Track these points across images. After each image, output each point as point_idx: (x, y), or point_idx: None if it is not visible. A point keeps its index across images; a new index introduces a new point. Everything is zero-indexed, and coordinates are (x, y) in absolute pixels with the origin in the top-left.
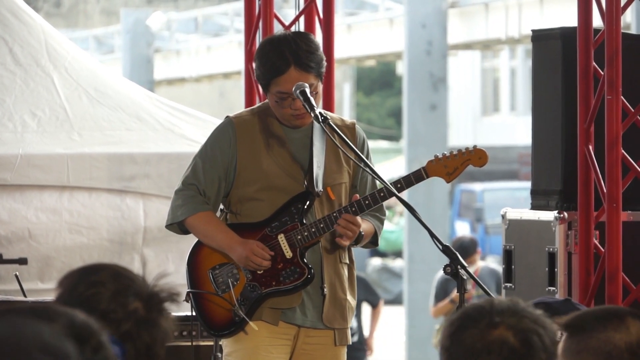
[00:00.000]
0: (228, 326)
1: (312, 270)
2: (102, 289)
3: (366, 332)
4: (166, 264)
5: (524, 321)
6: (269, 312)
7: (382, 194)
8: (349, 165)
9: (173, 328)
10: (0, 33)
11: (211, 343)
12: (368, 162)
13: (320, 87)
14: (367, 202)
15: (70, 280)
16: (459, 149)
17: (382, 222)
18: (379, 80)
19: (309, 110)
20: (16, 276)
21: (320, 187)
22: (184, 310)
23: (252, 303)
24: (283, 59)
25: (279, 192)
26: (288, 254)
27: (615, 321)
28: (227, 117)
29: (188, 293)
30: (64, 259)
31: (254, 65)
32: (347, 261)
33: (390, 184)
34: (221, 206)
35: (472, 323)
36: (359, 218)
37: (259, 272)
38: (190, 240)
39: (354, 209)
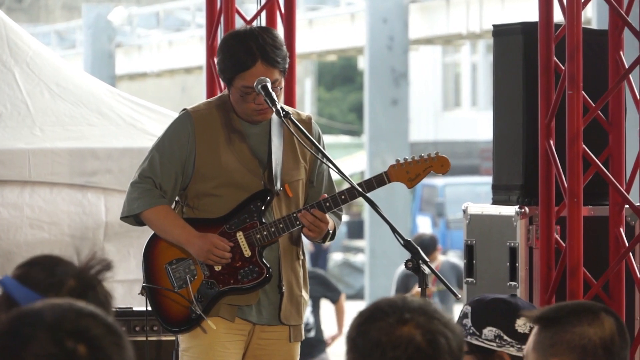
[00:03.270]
0: (184, 322)
1: (271, 270)
2: (35, 275)
3: (332, 329)
4: (127, 259)
5: (434, 322)
6: (226, 309)
7: (342, 197)
8: (305, 160)
9: (109, 296)
10: None
11: (173, 338)
12: (329, 157)
13: (283, 82)
14: (327, 204)
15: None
16: (421, 155)
17: (340, 218)
18: (340, 75)
19: (271, 105)
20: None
21: (279, 185)
22: (142, 305)
23: (210, 300)
24: (249, 54)
25: (238, 189)
26: (247, 252)
27: (590, 316)
28: (185, 109)
29: (143, 287)
30: (25, 254)
31: (216, 59)
32: (302, 256)
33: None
34: (177, 198)
35: (382, 316)
36: (327, 215)
37: (217, 268)
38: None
39: (313, 209)
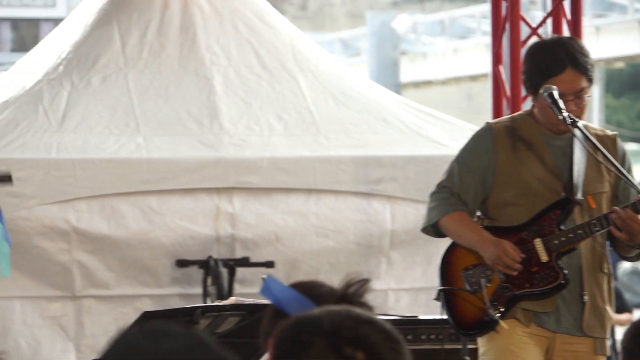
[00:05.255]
0: (478, 326)
1: (567, 276)
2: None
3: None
4: (413, 267)
5: None
6: (522, 312)
7: None
8: (610, 175)
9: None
10: (246, 36)
11: (458, 346)
12: (627, 173)
13: (589, 91)
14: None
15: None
16: None
17: None
18: (628, 82)
19: (558, 112)
20: (263, 279)
21: (580, 195)
22: (433, 313)
23: (504, 304)
24: (559, 60)
25: (537, 198)
26: (544, 257)
27: None
28: (487, 123)
29: (439, 292)
30: (310, 262)
31: (522, 68)
32: (607, 271)
33: None
34: (478, 213)
35: None
36: None
37: (512, 273)
38: (438, 243)
39: (626, 209)
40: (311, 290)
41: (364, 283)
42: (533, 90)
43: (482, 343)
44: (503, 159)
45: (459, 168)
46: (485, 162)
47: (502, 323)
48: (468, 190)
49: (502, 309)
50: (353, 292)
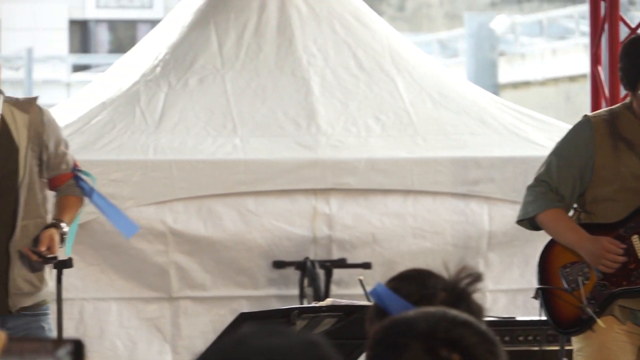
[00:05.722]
0: (575, 324)
1: None
2: (406, 288)
3: None
4: (511, 269)
5: None
6: (619, 310)
7: None
8: None
9: (481, 308)
10: (344, 37)
11: (556, 348)
12: None
13: None
14: None
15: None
16: None
17: None
18: None
19: None
20: (360, 281)
21: None
22: (531, 314)
23: (601, 301)
24: None
25: (635, 195)
26: None
27: None
28: (585, 116)
29: (537, 290)
30: (407, 263)
31: (619, 65)
32: None
33: None
34: (575, 205)
35: None
36: None
37: (609, 271)
38: (536, 244)
39: None
40: (420, 280)
41: (475, 278)
42: (631, 87)
43: (577, 340)
44: (602, 153)
45: (557, 161)
46: (584, 156)
47: (600, 321)
48: (566, 184)
49: (599, 307)
50: (463, 287)
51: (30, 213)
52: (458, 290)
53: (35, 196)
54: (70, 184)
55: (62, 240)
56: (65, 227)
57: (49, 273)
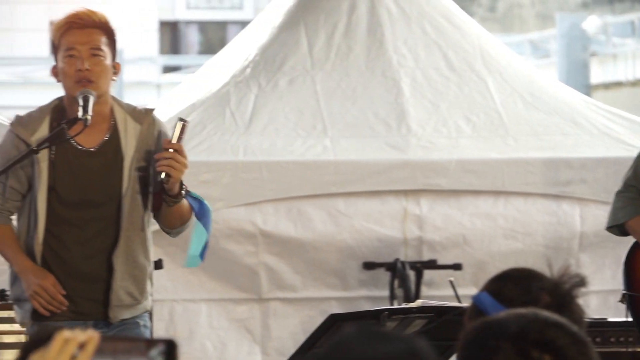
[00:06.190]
0: None
1: None
2: (509, 292)
3: None
4: (602, 270)
5: None
6: None
7: None
8: None
9: (583, 312)
10: (434, 38)
11: None
12: None
13: None
14: None
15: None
16: None
17: None
18: None
19: None
20: (451, 282)
21: None
22: (622, 316)
23: None
24: None
25: None
26: None
27: None
28: None
29: (623, 295)
30: (498, 264)
31: None
32: None
33: None
34: None
35: None
36: None
37: None
38: (628, 246)
39: None
40: (524, 283)
41: (579, 282)
42: None
43: None
44: None
45: None
46: None
47: None
48: None
49: None
50: (567, 290)
51: (133, 224)
52: (562, 293)
53: (138, 208)
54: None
55: (180, 195)
56: (184, 191)
57: (151, 286)
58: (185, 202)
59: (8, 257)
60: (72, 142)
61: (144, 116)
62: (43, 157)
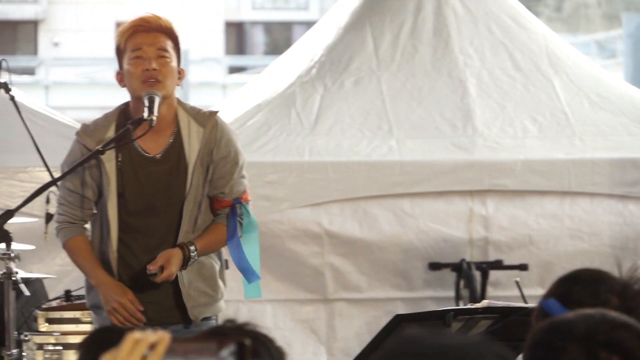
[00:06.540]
0: None
1: None
2: (578, 295)
3: None
4: None
5: None
6: None
7: None
8: None
9: None
10: (500, 38)
11: None
12: None
13: None
14: None
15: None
16: None
17: None
18: None
19: None
20: (517, 282)
21: None
22: None
23: None
24: None
25: None
26: None
27: None
28: None
29: None
30: (564, 265)
31: None
32: None
33: None
34: None
35: None
36: None
37: None
38: None
39: None
40: (593, 285)
41: None
42: None
43: None
44: None
45: None
46: None
47: None
48: None
49: None
50: (636, 291)
51: (195, 228)
52: (630, 295)
53: (201, 211)
54: (225, 215)
55: (186, 263)
56: (193, 252)
57: (224, 285)
58: (212, 239)
59: (85, 269)
60: (138, 149)
61: (207, 119)
62: (110, 165)
